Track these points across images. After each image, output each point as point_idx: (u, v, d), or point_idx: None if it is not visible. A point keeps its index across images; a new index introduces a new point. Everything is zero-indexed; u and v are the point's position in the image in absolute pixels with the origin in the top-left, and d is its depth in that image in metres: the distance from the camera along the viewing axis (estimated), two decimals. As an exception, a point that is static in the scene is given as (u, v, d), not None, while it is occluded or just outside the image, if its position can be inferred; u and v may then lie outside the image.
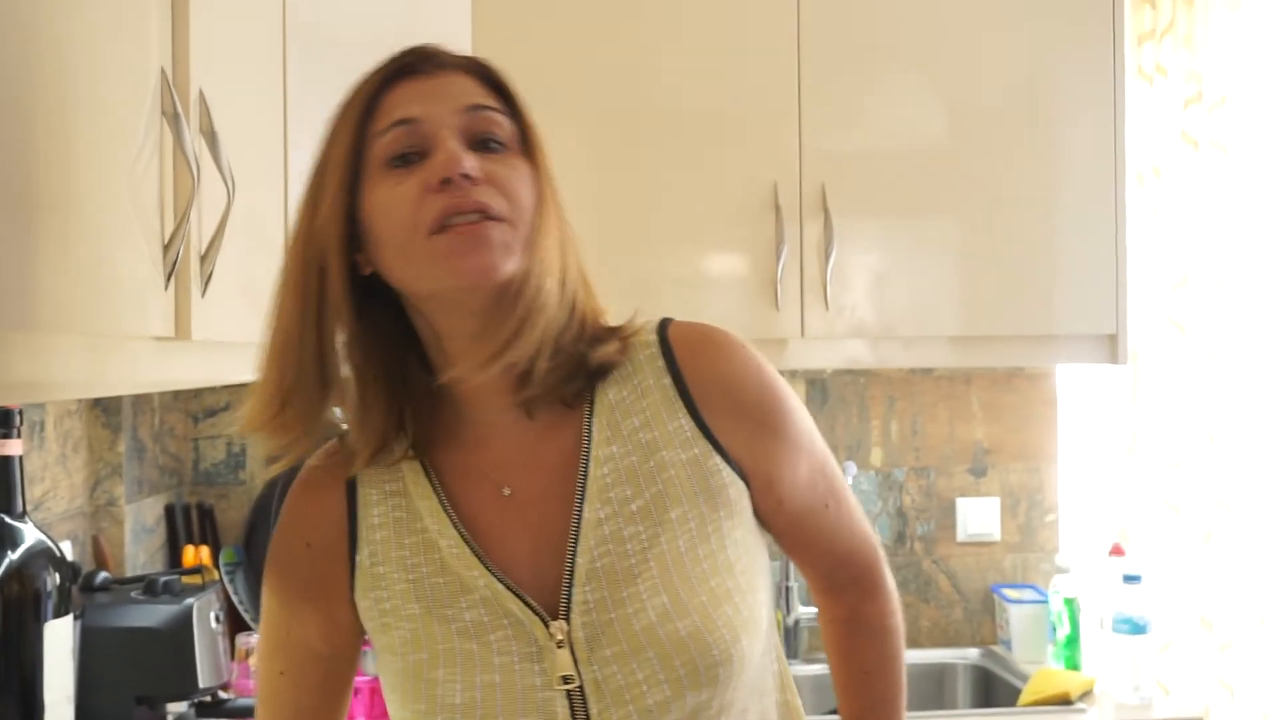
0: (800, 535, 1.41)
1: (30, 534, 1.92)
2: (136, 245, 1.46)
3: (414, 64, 1.26)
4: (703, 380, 1.31)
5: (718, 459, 1.30)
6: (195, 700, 2.26)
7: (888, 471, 3.33)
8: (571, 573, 1.25)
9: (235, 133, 1.70)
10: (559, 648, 1.23)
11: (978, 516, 3.34)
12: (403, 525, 1.31)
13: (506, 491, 1.30)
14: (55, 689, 1.92)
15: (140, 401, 2.79)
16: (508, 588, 1.25)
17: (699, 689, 1.23)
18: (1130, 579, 2.92)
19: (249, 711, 2.32)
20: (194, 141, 1.55)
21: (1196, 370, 3.25)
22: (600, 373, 1.31)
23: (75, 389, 1.41)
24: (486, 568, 1.26)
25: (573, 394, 1.30)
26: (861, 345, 2.92)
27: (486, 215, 1.19)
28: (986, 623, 3.32)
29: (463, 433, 1.32)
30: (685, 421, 1.30)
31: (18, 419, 1.93)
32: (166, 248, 1.51)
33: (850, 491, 1.46)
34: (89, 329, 1.36)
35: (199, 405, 3.13)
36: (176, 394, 3.04)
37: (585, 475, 1.28)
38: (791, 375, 3.16)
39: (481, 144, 1.23)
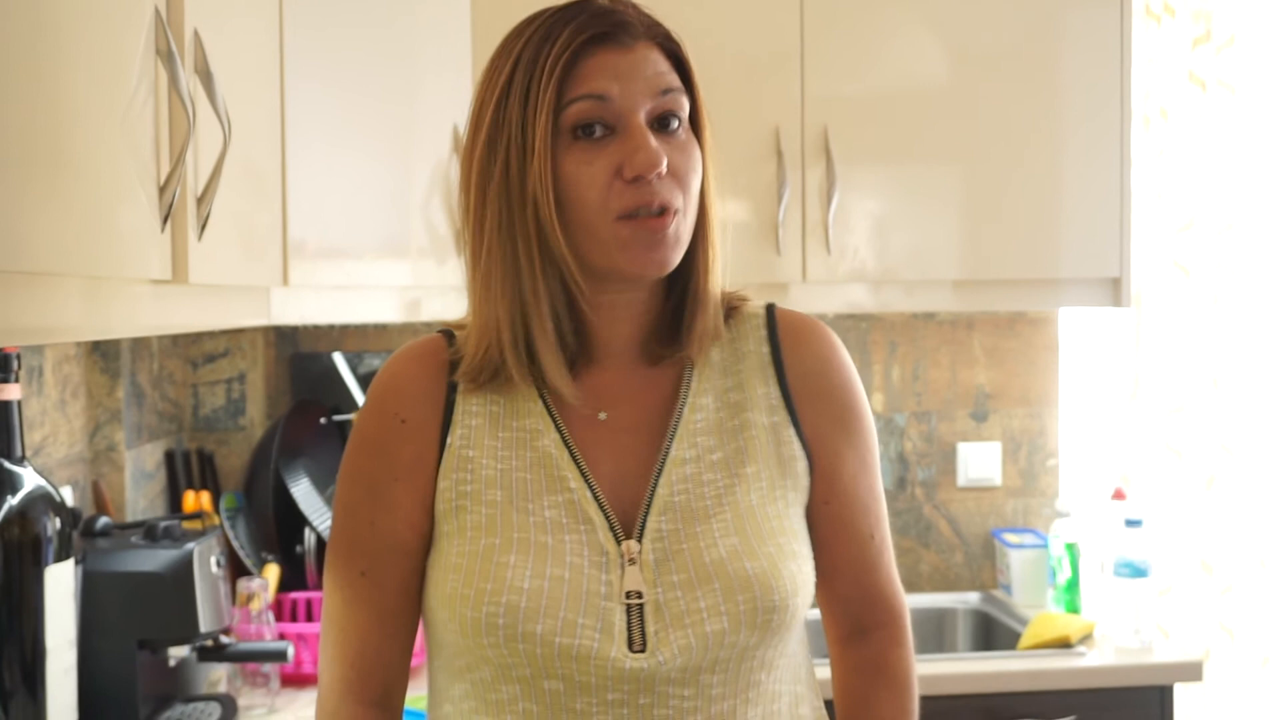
0: (837, 555, 1.44)
1: (30, 479, 1.92)
2: (132, 187, 1.46)
3: (611, 31, 1.29)
4: (799, 359, 1.41)
5: (792, 432, 1.39)
6: (197, 644, 2.26)
7: (889, 416, 3.33)
8: (650, 501, 1.33)
9: (231, 73, 1.70)
10: (629, 563, 1.29)
11: (979, 461, 3.34)
12: (498, 420, 1.36)
13: (603, 416, 1.36)
14: (57, 633, 1.93)
15: (139, 346, 2.79)
16: (595, 497, 1.32)
17: (753, 629, 1.29)
18: (1131, 523, 2.92)
19: (250, 656, 2.33)
20: (189, 82, 1.54)
21: (1201, 314, 3.25)
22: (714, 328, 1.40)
23: (73, 332, 1.41)
24: (582, 473, 1.33)
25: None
26: (863, 290, 2.92)
27: (665, 209, 1.27)
28: (987, 567, 3.33)
29: (581, 360, 1.37)
30: (773, 390, 1.39)
31: (16, 363, 1.93)
32: (163, 190, 1.51)
33: (891, 540, 1.49)
34: (86, 272, 1.36)
35: (198, 351, 3.12)
36: (175, 339, 3.04)
37: (679, 419, 1.37)
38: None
39: (663, 122, 1.30)
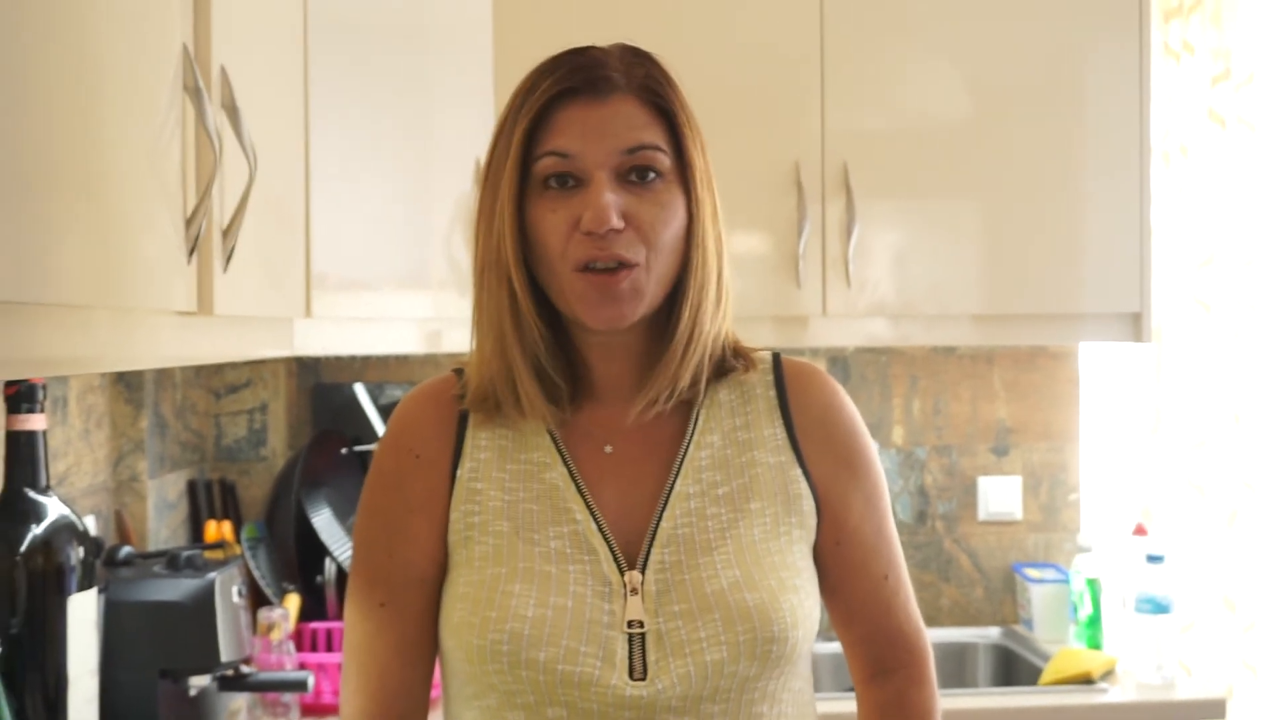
0: (852, 597, 1.46)
1: (54, 508, 1.93)
2: (159, 220, 1.47)
3: (582, 87, 1.33)
4: (804, 404, 1.44)
5: (799, 471, 1.41)
6: (217, 674, 2.26)
7: (909, 450, 3.33)
8: (654, 533, 1.35)
9: (257, 109, 1.71)
10: (632, 594, 1.31)
11: (999, 495, 3.33)
12: (506, 453, 1.39)
13: (608, 449, 1.39)
14: (79, 662, 1.93)
15: (162, 377, 2.81)
16: (600, 529, 1.34)
17: (753, 660, 1.30)
18: (1153, 559, 2.91)
19: (271, 685, 2.33)
20: (216, 117, 1.56)
21: (1222, 350, 3.25)
22: (717, 375, 1.42)
23: (99, 363, 1.42)
24: (587, 504, 1.35)
25: (693, 391, 1.40)
26: (883, 323, 2.92)
27: (622, 264, 1.29)
28: (1008, 602, 3.32)
29: (582, 394, 1.41)
30: (779, 432, 1.42)
31: (41, 394, 1.94)
32: (189, 222, 1.52)
33: (908, 576, 1.50)
34: (112, 303, 1.37)
35: (220, 381, 3.14)
36: (198, 370, 3.05)
37: (685, 454, 1.39)
38: (813, 353, 3.16)
39: (638, 173, 1.32)
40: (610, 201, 1.29)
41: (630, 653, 1.30)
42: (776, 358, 1.46)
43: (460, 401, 1.40)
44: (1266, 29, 3.22)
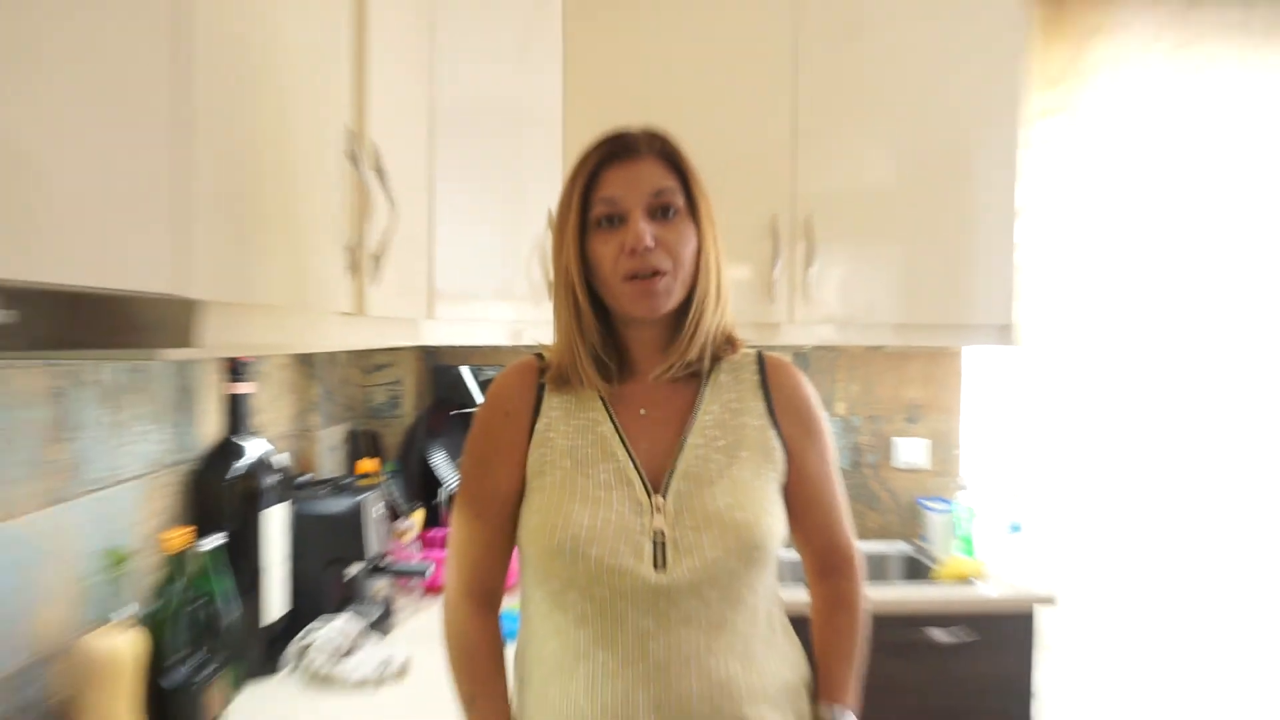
0: (808, 520, 1.46)
1: (257, 447, 1.96)
2: (330, 247, 1.49)
3: (620, 152, 1.36)
4: (779, 386, 1.44)
5: (774, 433, 1.41)
6: (366, 563, 2.28)
7: (848, 418, 3.32)
8: (673, 471, 1.35)
9: (397, 171, 1.72)
10: (656, 511, 1.32)
11: (909, 451, 3.32)
12: (570, 413, 1.39)
13: (642, 412, 1.40)
14: (273, 554, 1.96)
15: (330, 358, 2.83)
16: (635, 466, 1.35)
17: (740, 559, 1.32)
18: (1012, 496, 2.91)
19: (402, 572, 2.35)
20: (369, 176, 1.57)
21: (1062, 352, 3.23)
22: (718, 360, 1.43)
23: (288, 347, 1.43)
24: (627, 450, 1.36)
25: (701, 369, 1.42)
26: (831, 329, 2.91)
27: (657, 272, 1.32)
28: (913, 524, 3.32)
29: (627, 370, 1.42)
30: (761, 405, 1.42)
31: (249, 369, 1.97)
32: (350, 250, 1.53)
33: (847, 506, 1.51)
34: (298, 305, 1.39)
35: (369, 362, 3.15)
36: (354, 354, 3.07)
37: (695, 417, 1.40)
38: (783, 349, 3.16)
39: (662, 211, 1.34)
40: (645, 228, 1.32)
41: (654, 552, 1.30)
42: (760, 354, 1.46)
43: (541, 375, 1.41)
44: (1108, 126, 3.19)
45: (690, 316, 1.37)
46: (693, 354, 1.38)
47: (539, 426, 1.38)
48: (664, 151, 1.36)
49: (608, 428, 1.37)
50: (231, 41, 1.16)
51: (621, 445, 1.36)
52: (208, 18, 1.08)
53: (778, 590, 1.43)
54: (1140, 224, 3.24)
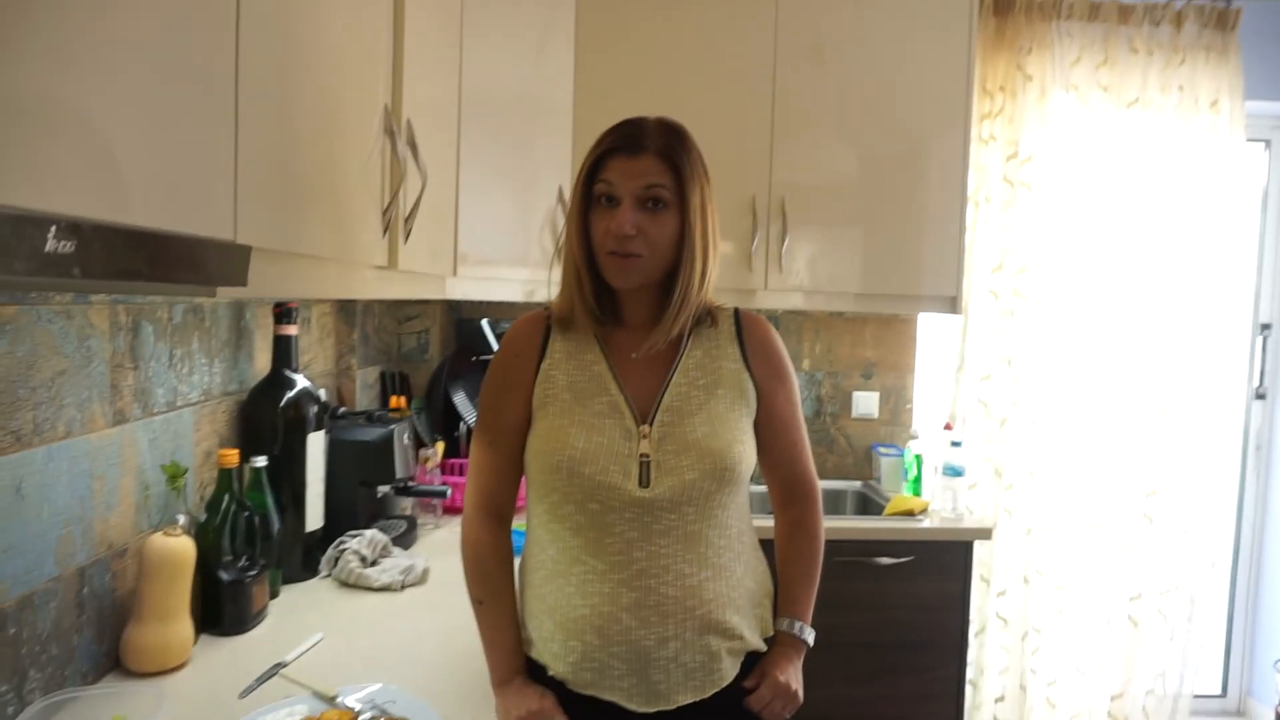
0: (775, 451, 1.46)
1: (301, 382, 1.96)
2: (368, 209, 1.48)
3: (625, 146, 1.33)
4: (753, 337, 1.43)
5: (747, 375, 1.41)
6: (394, 485, 2.29)
7: (813, 373, 3.32)
8: (659, 404, 1.36)
9: (428, 146, 1.71)
10: (643, 438, 1.32)
11: (865, 403, 3.32)
12: (571, 355, 1.39)
13: (633, 355, 1.39)
14: (313, 474, 1.97)
15: (367, 307, 2.82)
16: (626, 400, 1.35)
17: (714, 481, 1.32)
18: (955, 444, 2.92)
19: (426, 493, 2.36)
20: (403, 149, 1.56)
21: (1002, 321, 3.23)
22: (701, 320, 1.42)
23: (330, 294, 1.43)
24: (619, 385, 1.37)
25: (686, 327, 1.40)
26: (800, 297, 2.90)
27: (631, 254, 1.32)
28: (866, 466, 3.33)
29: (621, 321, 1.42)
30: (737, 352, 1.41)
31: (295, 313, 1.96)
32: (385, 212, 1.52)
33: (809, 445, 1.50)
34: (339, 258, 1.38)
35: (401, 312, 3.14)
36: (388, 304, 3.06)
37: (679, 360, 1.40)
38: (759, 312, 3.15)
39: (652, 202, 1.32)
40: (630, 218, 1.30)
41: (640, 472, 1.31)
42: (737, 310, 1.46)
43: (548, 323, 1.42)
44: (1041, 128, 3.18)
45: (677, 293, 1.35)
46: (679, 325, 1.37)
47: (544, 366, 1.39)
48: (665, 149, 1.34)
49: (603, 367, 1.38)
50: (281, 31, 1.14)
51: (614, 382, 1.36)
52: (263, 9, 1.07)
53: (748, 512, 1.44)
54: (1067, 209, 3.24)
